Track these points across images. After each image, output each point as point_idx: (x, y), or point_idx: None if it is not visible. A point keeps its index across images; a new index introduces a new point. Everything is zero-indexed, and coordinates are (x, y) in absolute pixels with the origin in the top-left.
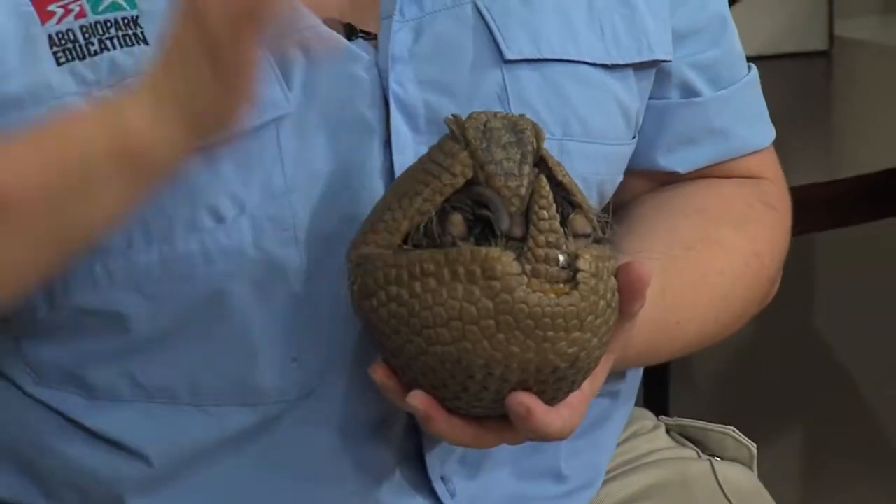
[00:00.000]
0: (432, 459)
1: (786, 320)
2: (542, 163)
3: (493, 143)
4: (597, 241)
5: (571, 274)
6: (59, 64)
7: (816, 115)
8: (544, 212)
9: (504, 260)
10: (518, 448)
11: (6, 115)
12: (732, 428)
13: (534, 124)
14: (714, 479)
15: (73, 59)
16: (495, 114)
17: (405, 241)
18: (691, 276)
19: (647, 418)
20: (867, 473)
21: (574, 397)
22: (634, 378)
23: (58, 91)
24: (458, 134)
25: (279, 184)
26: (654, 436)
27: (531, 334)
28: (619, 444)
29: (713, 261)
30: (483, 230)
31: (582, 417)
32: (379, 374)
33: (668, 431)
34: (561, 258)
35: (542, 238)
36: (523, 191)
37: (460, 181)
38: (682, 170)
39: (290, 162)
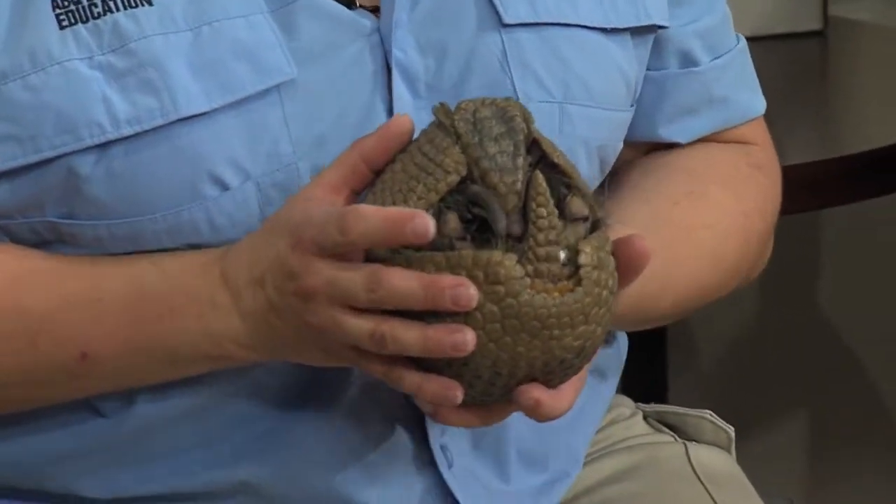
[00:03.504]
0: (432, 427)
1: (790, 300)
2: (535, 145)
3: (484, 136)
4: (594, 222)
5: (573, 269)
6: (61, 27)
7: (811, 96)
8: (542, 209)
9: (507, 264)
10: (520, 432)
11: (7, 82)
12: (709, 412)
13: (522, 108)
14: (687, 460)
15: (77, 21)
16: (483, 101)
17: None
18: (678, 230)
19: (626, 405)
20: (872, 458)
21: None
22: (620, 358)
23: (58, 57)
24: (447, 126)
25: (286, 151)
26: (631, 423)
27: (538, 334)
28: (596, 432)
29: (700, 215)
30: (480, 227)
31: (583, 386)
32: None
33: (645, 418)
34: (562, 255)
35: (542, 236)
36: (519, 186)
37: (454, 178)
38: (683, 140)
39: (297, 128)
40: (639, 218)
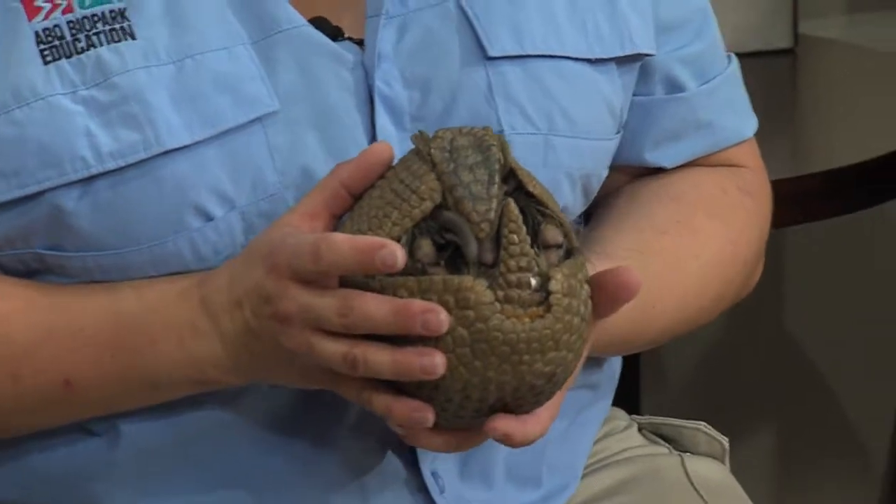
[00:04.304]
0: (423, 453)
1: (755, 316)
2: (511, 174)
3: (459, 165)
4: (568, 250)
5: (544, 296)
6: (45, 62)
7: (782, 113)
8: (514, 236)
9: (477, 289)
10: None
11: None
12: (704, 423)
13: (499, 138)
14: (683, 472)
15: (60, 57)
16: (461, 130)
17: None
18: (666, 260)
19: (621, 418)
20: (837, 469)
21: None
22: (613, 372)
23: (42, 92)
24: (424, 154)
25: (272, 180)
26: (626, 435)
27: (507, 359)
28: (593, 444)
29: (688, 245)
30: (453, 254)
31: (557, 412)
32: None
33: (640, 430)
34: (533, 282)
35: (513, 262)
36: (492, 215)
37: (429, 206)
38: (668, 164)
39: (281, 158)
40: (627, 247)
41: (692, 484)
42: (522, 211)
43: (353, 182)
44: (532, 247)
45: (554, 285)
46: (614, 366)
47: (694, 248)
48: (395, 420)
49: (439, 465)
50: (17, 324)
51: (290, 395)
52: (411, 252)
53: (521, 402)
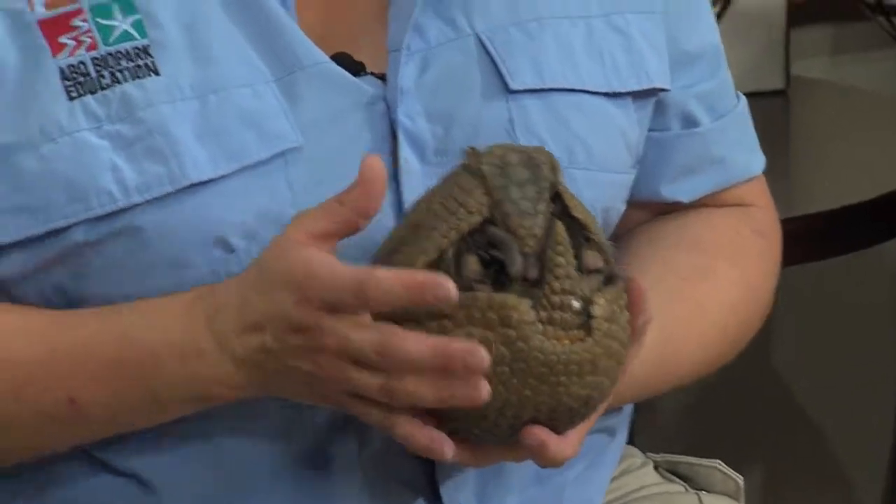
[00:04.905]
0: (447, 489)
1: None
2: (557, 198)
3: (509, 181)
4: (608, 276)
5: (586, 319)
6: (70, 98)
7: (776, 153)
8: (561, 258)
9: (521, 308)
10: (527, 477)
11: (19, 153)
12: (719, 461)
13: (551, 157)
14: None
15: (85, 93)
16: (513, 147)
17: None
18: (687, 307)
19: (636, 455)
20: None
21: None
22: (627, 413)
23: (68, 128)
24: (474, 169)
25: (292, 214)
26: (643, 472)
27: (545, 380)
28: (610, 481)
29: (708, 291)
30: (497, 271)
31: (584, 437)
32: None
33: (656, 468)
34: (576, 304)
35: (557, 285)
36: (538, 231)
37: (477, 219)
38: (685, 199)
39: (302, 193)
40: (651, 295)
41: None
42: (567, 233)
43: (366, 206)
44: (576, 270)
45: (597, 310)
46: (628, 407)
47: (713, 294)
48: (414, 448)
49: (463, 499)
50: (18, 342)
51: (309, 433)
52: (458, 268)
53: (556, 423)
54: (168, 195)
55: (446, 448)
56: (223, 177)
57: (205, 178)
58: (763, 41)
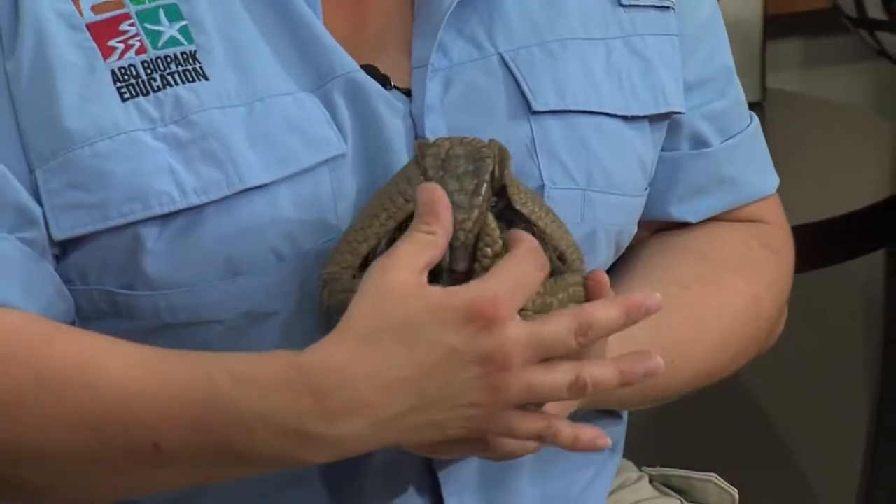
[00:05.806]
0: (448, 499)
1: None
2: (503, 192)
3: (448, 173)
4: (557, 270)
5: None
6: (123, 100)
7: None
8: (488, 249)
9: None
10: (533, 498)
11: (75, 149)
12: (714, 475)
13: (500, 149)
14: None
15: (137, 94)
16: (462, 140)
17: (366, 262)
18: (688, 315)
19: (631, 469)
20: None
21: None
22: (623, 428)
23: (124, 127)
24: (419, 159)
25: (332, 224)
26: (639, 486)
27: None
28: (607, 496)
29: (710, 300)
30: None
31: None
32: None
33: (651, 482)
34: None
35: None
36: (469, 225)
37: (412, 208)
38: (693, 219)
39: (343, 201)
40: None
41: None
42: (510, 226)
43: (440, 224)
44: None
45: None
46: (625, 421)
47: (717, 304)
48: (578, 448)
49: None
50: (101, 371)
51: None
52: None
53: None
54: (222, 199)
55: (607, 441)
56: (275, 182)
57: (259, 182)
58: (739, 54)
